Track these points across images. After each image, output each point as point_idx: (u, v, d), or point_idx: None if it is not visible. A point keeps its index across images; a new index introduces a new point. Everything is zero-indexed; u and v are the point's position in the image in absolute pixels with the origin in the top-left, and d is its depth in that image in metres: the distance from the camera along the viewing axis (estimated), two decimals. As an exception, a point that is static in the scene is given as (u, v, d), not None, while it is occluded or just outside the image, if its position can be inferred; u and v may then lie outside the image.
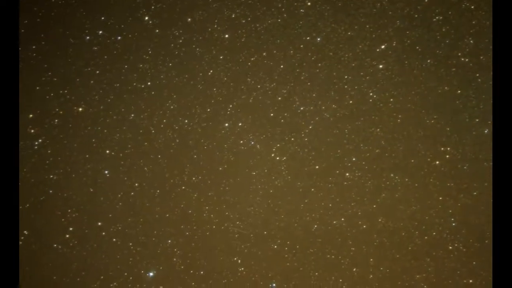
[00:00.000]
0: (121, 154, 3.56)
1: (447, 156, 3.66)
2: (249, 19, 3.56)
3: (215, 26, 3.55)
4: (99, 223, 3.57)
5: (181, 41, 3.54)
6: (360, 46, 3.61)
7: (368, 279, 3.71)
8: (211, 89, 3.60)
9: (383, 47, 3.61)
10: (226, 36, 3.57)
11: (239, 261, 3.67)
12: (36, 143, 3.47)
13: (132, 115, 3.56)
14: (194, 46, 3.55)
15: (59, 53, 3.46)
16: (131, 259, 3.60)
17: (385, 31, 3.59)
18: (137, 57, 3.52)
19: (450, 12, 3.55)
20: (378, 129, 3.68)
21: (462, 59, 3.58)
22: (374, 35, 3.59)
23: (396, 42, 3.60)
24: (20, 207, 3.47)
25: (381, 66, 3.63)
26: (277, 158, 3.68)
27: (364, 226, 3.72)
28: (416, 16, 3.57)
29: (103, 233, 3.57)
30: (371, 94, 3.66)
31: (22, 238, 3.48)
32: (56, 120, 3.48)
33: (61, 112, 3.48)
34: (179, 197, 3.62)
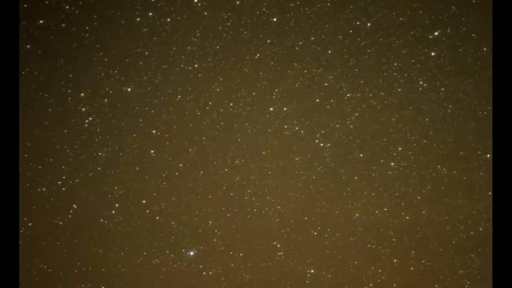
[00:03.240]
0: (166, 135, 3.63)
1: (499, 149, 3.51)
2: (298, 2, 3.52)
3: (264, 9, 3.53)
4: (144, 201, 3.67)
5: (229, 24, 3.54)
6: (412, 33, 3.50)
7: (408, 271, 3.66)
8: (257, 73, 3.60)
9: (436, 33, 3.48)
10: (274, 19, 3.54)
11: (279, 245, 3.69)
12: (87, 121, 3.59)
13: (179, 96, 3.61)
14: (241, 29, 3.55)
15: (109, 34, 3.54)
16: (173, 237, 3.69)
17: (439, 17, 3.46)
18: (185, 39, 3.55)
19: (509, -2, 3.37)
20: (427, 119, 3.58)
21: (522, 48, 3.41)
22: (427, 21, 3.47)
23: (451, 29, 3.46)
24: (70, 182, 3.61)
25: (433, 54, 3.51)
26: (321, 144, 3.65)
27: (407, 217, 3.65)
28: (473, 1, 3.41)
29: (147, 211, 3.67)
30: (421, 82, 3.55)
31: (71, 211, 3.63)
32: (106, 100, 3.59)
33: (110, 92, 3.58)
34: (222, 179, 3.67)
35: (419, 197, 3.63)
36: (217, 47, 3.57)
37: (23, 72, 3.50)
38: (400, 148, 3.61)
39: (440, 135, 3.58)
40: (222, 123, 3.64)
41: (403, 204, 3.64)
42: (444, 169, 3.60)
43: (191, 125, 3.64)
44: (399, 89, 3.57)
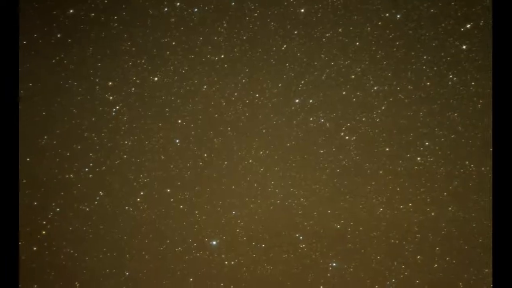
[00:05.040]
0: (192, 125, 3.66)
1: (531, 146, 3.41)
2: (326, -7, 3.48)
3: (291, 0, 3.50)
4: (168, 190, 3.71)
5: (256, 14, 3.53)
6: (443, 25, 3.42)
7: (432, 268, 3.61)
8: (283, 64, 3.58)
9: (468, 26, 3.39)
10: (302, 10, 3.51)
11: (301, 237, 3.69)
12: (114, 109, 3.64)
13: (205, 86, 3.63)
14: (269, 20, 3.53)
15: (138, 23, 3.57)
16: (196, 226, 3.72)
17: (472, 9, 3.37)
18: (212, 30, 3.56)
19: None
20: (456, 114, 3.50)
21: (558, 42, 3.29)
22: (459, 13, 3.38)
23: (484, 21, 3.36)
24: (97, 169, 3.68)
25: (464, 47, 3.42)
26: (346, 137, 3.61)
27: (433, 214, 3.59)
28: (508, -7, 3.31)
29: (171, 200, 3.71)
30: (451, 76, 3.47)
31: (98, 198, 3.70)
32: (133, 89, 3.63)
33: (138, 81, 3.62)
34: (246, 169, 3.67)
35: (445, 193, 3.57)
36: (244, 37, 3.56)
37: (53, 61, 3.57)
38: (427, 143, 3.55)
39: (469, 130, 3.50)
40: (247, 114, 3.64)
41: (428, 200, 3.59)
42: (472, 165, 3.52)
43: (216, 115, 3.65)
44: (428, 83, 3.50)
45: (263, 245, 3.70)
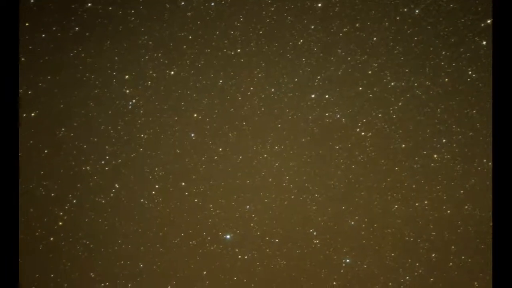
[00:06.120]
0: (207, 119, 3.67)
1: (551, 145, 3.36)
2: (344, -12, 3.46)
3: (308, -6, 3.49)
4: (183, 183, 3.73)
5: (273, 9, 3.52)
6: (463, 20, 3.37)
7: (447, 267, 3.58)
8: (299, 59, 3.57)
9: (489, 21, 3.34)
10: (319, 5, 3.49)
11: (315, 233, 3.68)
12: (130, 103, 3.67)
13: (221, 81, 3.64)
14: (285, 14, 3.52)
15: (155, 17, 3.58)
16: (210, 220, 3.74)
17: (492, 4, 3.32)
18: (229, 24, 3.56)
19: None
20: (474, 111, 3.46)
21: None
22: (479, 8, 3.33)
23: (505, 17, 3.31)
24: (113, 162, 3.71)
25: (484, 43, 3.37)
26: (362, 133, 3.59)
27: (448, 211, 3.56)
28: (531, -12, 3.25)
29: (186, 193, 3.73)
30: (470, 72, 3.43)
31: (113, 190, 3.74)
32: (149, 82, 3.65)
33: (154, 75, 3.64)
34: (261, 164, 3.67)
35: (462, 191, 3.53)
36: (260, 32, 3.56)
37: (71, 54, 3.61)
38: (444, 140, 3.52)
39: (487, 128, 3.45)
40: (262, 109, 3.64)
41: (444, 197, 3.55)
42: (490, 163, 3.48)
43: (232, 109, 3.66)
44: (446, 79, 3.46)
45: (277, 240, 3.71)
